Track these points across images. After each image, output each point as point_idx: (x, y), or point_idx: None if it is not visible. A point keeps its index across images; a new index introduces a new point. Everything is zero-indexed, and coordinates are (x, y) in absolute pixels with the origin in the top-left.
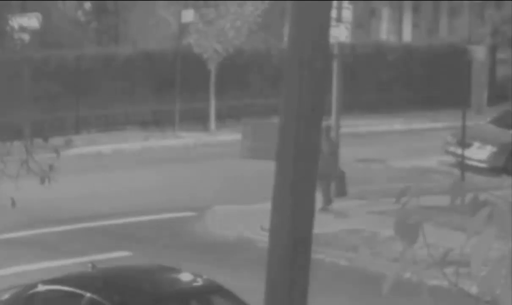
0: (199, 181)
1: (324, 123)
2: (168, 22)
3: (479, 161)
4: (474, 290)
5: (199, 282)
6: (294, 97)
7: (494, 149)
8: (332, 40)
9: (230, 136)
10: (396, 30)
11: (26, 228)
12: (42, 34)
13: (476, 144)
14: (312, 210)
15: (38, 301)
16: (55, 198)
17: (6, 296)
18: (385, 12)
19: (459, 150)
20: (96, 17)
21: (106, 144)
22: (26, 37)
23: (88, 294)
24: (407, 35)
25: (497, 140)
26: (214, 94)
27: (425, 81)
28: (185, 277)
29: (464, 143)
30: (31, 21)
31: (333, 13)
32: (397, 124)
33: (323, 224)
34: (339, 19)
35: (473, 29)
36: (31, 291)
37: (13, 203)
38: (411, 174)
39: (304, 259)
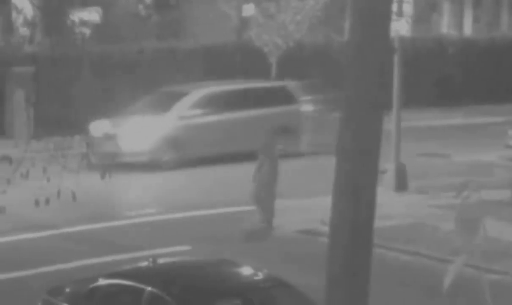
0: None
1: (268, 137)
2: (229, 16)
3: None
4: None
5: (260, 276)
6: (354, 90)
7: None
8: (392, 34)
9: None
10: (457, 24)
11: (87, 222)
12: (102, 29)
13: None
14: (373, 204)
15: (99, 295)
16: (115, 192)
17: (68, 289)
18: (446, 6)
19: None
20: (157, 11)
21: None
22: (86, 31)
23: (149, 288)
24: (468, 29)
25: None
26: None
27: (486, 75)
28: (246, 271)
29: None
30: (92, 15)
31: (394, 7)
32: (457, 118)
33: (384, 218)
34: (400, 13)
35: None
36: (92, 285)
37: (74, 197)
38: (472, 168)
39: (364, 253)
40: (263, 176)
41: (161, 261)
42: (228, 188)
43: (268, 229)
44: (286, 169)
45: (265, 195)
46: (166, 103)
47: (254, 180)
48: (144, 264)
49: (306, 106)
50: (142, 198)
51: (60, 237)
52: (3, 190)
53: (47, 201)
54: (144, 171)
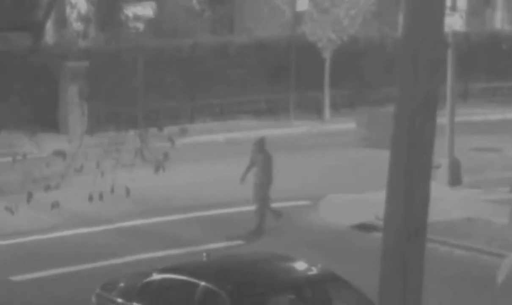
0: (313, 169)
1: (259, 137)
2: (282, 10)
3: None
4: None
5: (314, 271)
6: (408, 85)
7: None
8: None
9: (345, 125)
10: (511, 19)
11: (140, 217)
12: (156, 23)
13: None
14: (427, 199)
15: (153, 289)
16: (168, 187)
17: (121, 284)
18: (500, 0)
19: None
20: (211, 6)
21: (221, 133)
22: (140, 26)
23: (203, 283)
24: None
25: None
26: (328, 83)
27: None
28: (300, 266)
29: None
30: (146, 10)
31: (448, 2)
32: (511, 113)
33: (438, 213)
34: (453, 8)
35: None
36: (146, 280)
37: (128, 192)
38: None
39: (418, 248)
40: (257, 178)
41: (215, 256)
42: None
43: (256, 234)
44: (342, 164)
45: (262, 197)
46: None
47: (242, 181)
48: (198, 259)
49: None
50: (195, 192)
51: (113, 232)
52: (57, 185)
53: (101, 196)
54: (199, 165)
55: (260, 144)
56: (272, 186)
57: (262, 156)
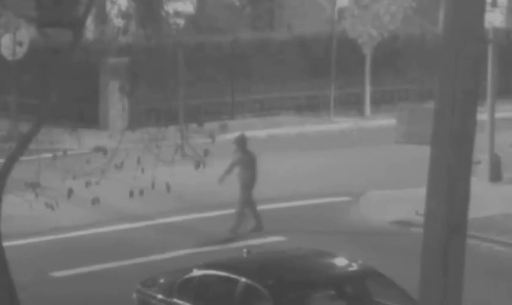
0: (353, 166)
1: (238, 135)
2: (323, 6)
3: None
4: None
5: (354, 267)
6: (448, 82)
7: None
8: (487, 25)
9: (385, 121)
10: None
11: (181, 213)
12: (197, 19)
13: None
14: (468, 195)
15: (193, 285)
16: (209, 183)
17: (162, 280)
18: None
19: None
20: (251, 2)
21: (261, 130)
22: (181, 22)
23: (243, 279)
24: None
25: None
26: (369, 79)
27: None
28: (340, 262)
29: None
30: (186, 6)
31: None
32: None
33: (478, 209)
34: (494, 4)
35: None
36: (186, 276)
37: (168, 188)
38: None
39: (459, 244)
40: (241, 179)
41: (256, 252)
42: (325, 177)
43: (232, 236)
44: (382, 160)
45: (248, 197)
46: None
47: (220, 182)
48: (239, 255)
49: None
50: (236, 188)
51: (154, 228)
52: (97, 181)
53: (141, 192)
54: None
55: (241, 143)
56: (255, 186)
57: (244, 155)
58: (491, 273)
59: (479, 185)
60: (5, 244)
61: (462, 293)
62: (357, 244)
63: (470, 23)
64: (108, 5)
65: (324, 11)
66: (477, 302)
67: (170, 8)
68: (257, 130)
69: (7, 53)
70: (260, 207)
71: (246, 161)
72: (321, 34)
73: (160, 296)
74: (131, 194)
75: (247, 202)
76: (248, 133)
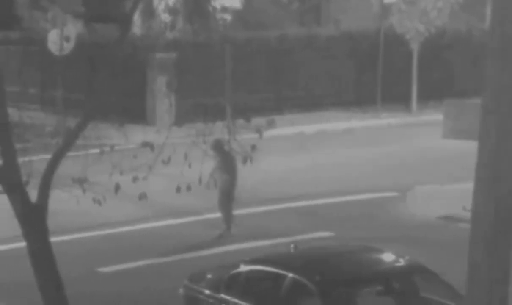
0: (400, 161)
1: (214, 140)
2: (370, 2)
3: None
4: None
5: (401, 262)
6: (496, 77)
7: None
8: None
9: (432, 116)
10: None
11: None
12: (244, 15)
13: None
14: None
15: (240, 280)
16: (256, 179)
17: (209, 276)
18: None
19: None
20: None
21: (308, 125)
22: (228, 17)
23: (291, 275)
24: None
25: None
26: (416, 75)
27: None
28: (387, 257)
29: None
30: (234, 1)
31: None
32: None
33: None
34: None
35: None
36: (233, 271)
37: (215, 183)
38: None
39: (506, 239)
40: (222, 182)
41: (303, 247)
42: (372, 172)
43: (226, 235)
44: (429, 155)
45: (225, 202)
46: None
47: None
48: (286, 250)
49: None
50: (282, 183)
51: (201, 223)
52: (144, 176)
53: (189, 187)
54: (287, 157)
55: (218, 147)
56: (234, 191)
57: (223, 160)
58: None
59: None
60: (52, 239)
61: (508, 287)
62: (404, 239)
63: None
64: (156, 0)
65: (371, 6)
66: None
67: (217, 3)
68: (304, 126)
69: (54, 49)
70: (308, 203)
71: (225, 165)
72: (368, 29)
73: (207, 292)
74: (178, 189)
75: (223, 206)
76: (295, 129)
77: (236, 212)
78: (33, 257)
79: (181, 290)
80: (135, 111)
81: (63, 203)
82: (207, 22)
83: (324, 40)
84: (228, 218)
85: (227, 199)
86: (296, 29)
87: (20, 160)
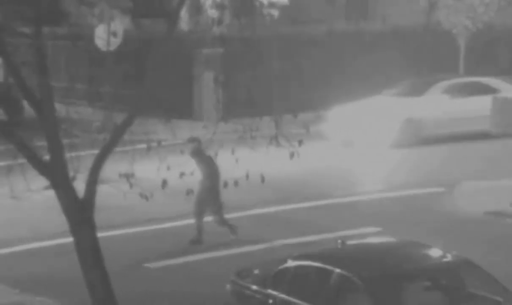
0: (447, 156)
1: (191, 148)
2: None
3: None
4: None
5: (449, 257)
6: None
7: None
8: None
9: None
10: None
11: (275, 204)
12: (291, 10)
13: None
14: None
15: (288, 276)
16: (303, 174)
17: (256, 271)
18: None
19: None
20: None
21: None
22: (275, 13)
23: (338, 270)
24: None
25: None
26: (463, 70)
27: None
28: (434, 252)
29: None
30: None
31: None
32: None
33: None
34: None
35: None
36: (280, 267)
37: (263, 179)
38: None
39: None
40: (201, 188)
41: (350, 243)
42: (419, 167)
43: (195, 244)
44: (476, 150)
45: (199, 208)
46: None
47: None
48: (333, 246)
49: None
50: (330, 178)
51: (248, 218)
52: (191, 172)
53: (236, 183)
54: (334, 152)
55: (197, 152)
56: (218, 194)
57: (203, 163)
58: None
59: None
60: (99, 234)
61: None
62: (451, 235)
63: None
64: None
65: (418, 1)
66: None
67: None
68: None
69: (101, 44)
70: (355, 198)
71: (205, 170)
72: (415, 25)
73: (254, 287)
74: (226, 185)
75: (197, 213)
76: None
77: (283, 207)
78: (80, 252)
79: (228, 286)
80: (182, 106)
81: (110, 198)
82: (254, 17)
83: (370, 35)
84: (199, 225)
85: (203, 205)
86: (343, 25)
87: (68, 155)
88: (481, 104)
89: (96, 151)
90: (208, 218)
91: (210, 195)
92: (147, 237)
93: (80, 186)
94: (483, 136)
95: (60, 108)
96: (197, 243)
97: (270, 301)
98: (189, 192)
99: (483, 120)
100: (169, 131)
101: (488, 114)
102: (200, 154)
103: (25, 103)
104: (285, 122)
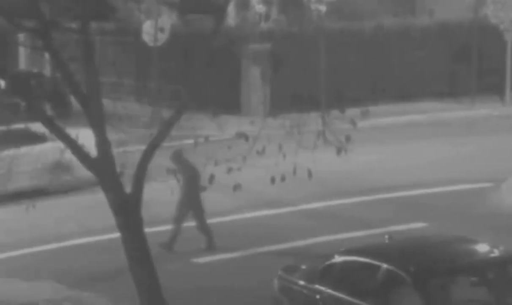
0: (494, 152)
1: (172, 153)
2: None
3: None
4: None
5: (496, 253)
6: None
7: None
8: None
9: None
10: None
11: (322, 199)
12: (338, 5)
13: None
14: None
15: (335, 271)
16: (350, 169)
17: (303, 266)
18: None
19: None
20: None
21: (402, 115)
22: (322, 8)
23: (385, 265)
24: None
25: None
26: (510, 66)
27: None
28: (482, 248)
29: None
30: None
31: None
32: None
33: None
34: None
35: None
36: (327, 262)
37: (310, 175)
38: None
39: None
40: (182, 193)
41: (398, 238)
42: (466, 163)
43: (167, 251)
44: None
45: (180, 213)
46: None
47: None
48: (381, 241)
49: None
50: (377, 174)
51: (296, 214)
52: (239, 167)
53: (283, 178)
54: (381, 148)
55: (177, 158)
56: (198, 200)
57: (183, 170)
58: None
59: None
60: (147, 230)
61: None
62: (499, 230)
63: None
64: None
65: None
66: None
67: None
68: (398, 117)
69: (149, 40)
70: (402, 194)
71: (184, 176)
72: (463, 20)
73: (301, 282)
74: (273, 180)
75: (176, 217)
76: (389, 120)
77: (331, 203)
78: (127, 248)
79: (275, 281)
80: (229, 102)
81: (157, 193)
82: (302, 13)
83: (418, 30)
84: (176, 230)
85: (183, 210)
86: (390, 20)
87: (115, 150)
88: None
89: (143, 147)
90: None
91: (190, 200)
92: (194, 232)
93: (127, 182)
94: None
95: (107, 104)
96: (166, 248)
97: (317, 296)
98: (236, 187)
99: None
100: (216, 127)
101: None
102: (180, 160)
103: (72, 99)
104: (332, 118)
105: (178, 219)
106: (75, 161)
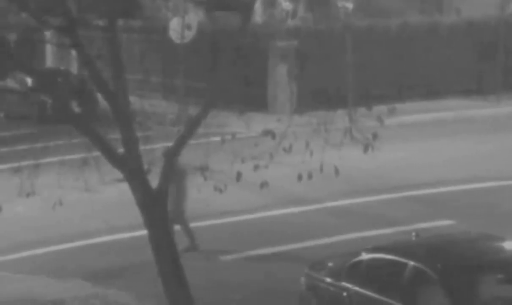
0: None
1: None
2: None
3: None
4: None
5: None
6: None
7: None
8: None
9: None
10: None
11: (349, 197)
12: (365, 3)
13: None
14: None
15: (362, 268)
16: (377, 167)
17: (330, 264)
18: None
19: None
20: None
21: (429, 113)
22: (349, 6)
23: (412, 263)
24: None
25: None
26: None
27: None
28: (508, 245)
29: None
30: None
31: None
32: None
33: None
34: None
35: None
36: (354, 259)
37: (337, 172)
38: None
39: None
40: (173, 196)
41: (424, 235)
42: (493, 160)
43: (194, 251)
44: None
45: (177, 217)
46: None
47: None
48: (408, 238)
49: None
50: (404, 171)
51: (322, 211)
52: (266, 164)
53: (310, 175)
54: (408, 145)
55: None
56: (184, 205)
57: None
58: None
59: None
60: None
61: None
62: None
63: None
64: None
65: None
66: None
67: None
68: (425, 114)
69: (175, 37)
70: (429, 191)
71: (174, 178)
72: (489, 18)
73: (328, 280)
74: (300, 177)
75: (178, 220)
76: (416, 117)
77: (357, 200)
78: (154, 245)
79: (302, 278)
80: (256, 99)
81: None
82: (328, 10)
83: (445, 28)
84: (187, 230)
85: (179, 208)
86: (417, 17)
87: (142, 147)
88: None
89: (170, 144)
90: (280, 211)
91: (175, 199)
92: (222, 230)
93: (154, 179)
94: None
95: (134, 101)
96: (191, 250)
97: (344, 293)
98: (263, 184)
99: None
100: (243, 124)
101: None
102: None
103: (99, 96)
104: (359, 115)
105: (180, 219)
106: None
